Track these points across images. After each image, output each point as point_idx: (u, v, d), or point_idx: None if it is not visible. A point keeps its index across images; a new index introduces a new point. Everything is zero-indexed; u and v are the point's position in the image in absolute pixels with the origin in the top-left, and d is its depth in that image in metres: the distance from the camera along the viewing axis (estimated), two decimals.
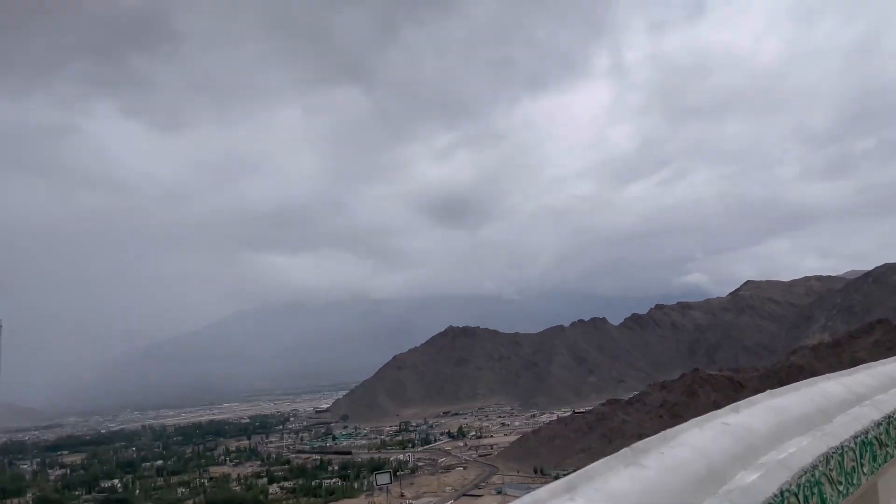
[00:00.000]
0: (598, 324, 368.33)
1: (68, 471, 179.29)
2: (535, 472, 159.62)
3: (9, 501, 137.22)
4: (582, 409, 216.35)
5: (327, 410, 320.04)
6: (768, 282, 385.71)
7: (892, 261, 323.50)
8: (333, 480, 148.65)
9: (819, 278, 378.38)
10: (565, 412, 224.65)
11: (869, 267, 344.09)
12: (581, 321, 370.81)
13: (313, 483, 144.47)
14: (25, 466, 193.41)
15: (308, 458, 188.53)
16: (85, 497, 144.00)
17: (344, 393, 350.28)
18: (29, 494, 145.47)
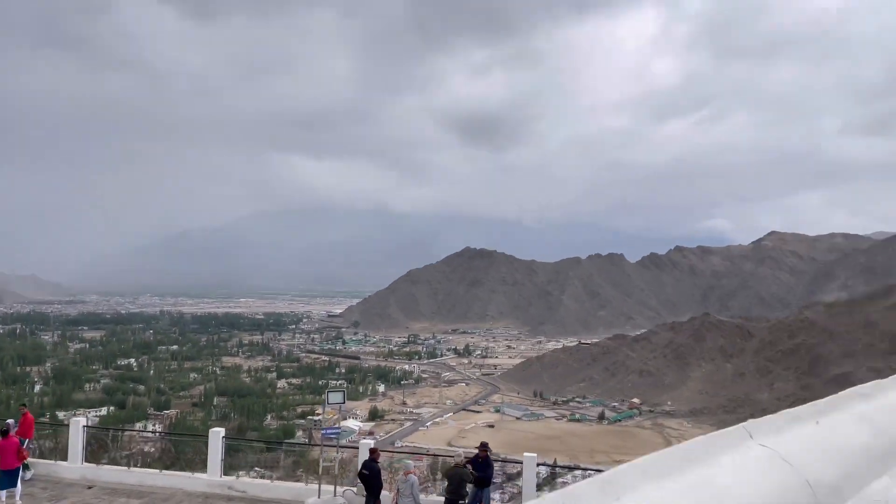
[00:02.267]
0: (614, 259, 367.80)
1: (87, 345, 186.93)
2: (535, 395, 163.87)
3: (29, 369, 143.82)
4: (588, 341, 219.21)
5: (339, 316, 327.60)
6: (794, 234, 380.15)
7: None
8: (339, 382, 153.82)
9: (846, 236, 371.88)
10: (571, 342, 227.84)
11: None
12: (598, 255, 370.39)
13: (320, 382, 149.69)
14: (47, 337, 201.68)
15: (317, 358, 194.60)
16: (102, 372, 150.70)
17: (357, 301, 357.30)
18: (48, 364, 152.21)
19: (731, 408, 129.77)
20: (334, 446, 15.99)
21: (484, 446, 14.53)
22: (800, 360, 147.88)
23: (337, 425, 17.34)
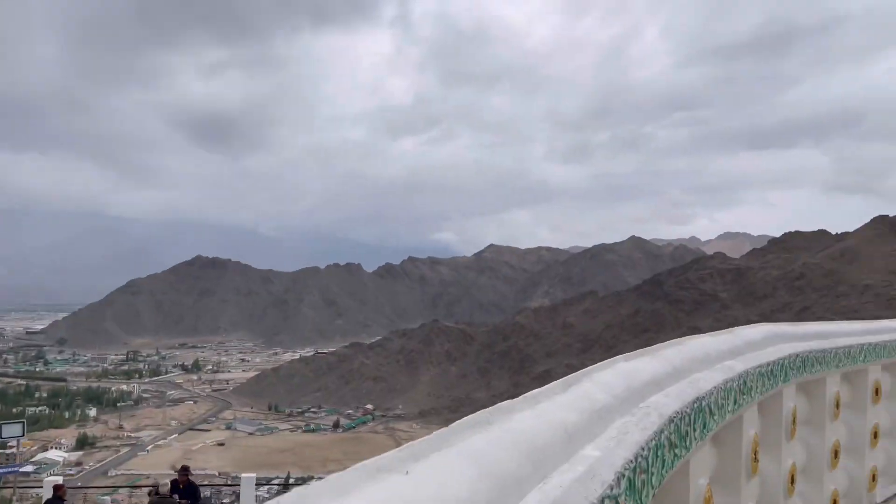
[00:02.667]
0: (352, 269, 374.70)
1: None
2: (270, 408, 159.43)
3: None
4: (325, 351, 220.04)
5: (41, 332, 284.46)
6: (508, 247, 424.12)
7: (607, 241, 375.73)
8: (40, 409, 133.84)
9: (549, 249, 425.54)
10: (308, 352, 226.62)
11: (589, 245, 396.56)
12: (336, 265, 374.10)
13: (14, 410, 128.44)
14: None
15: (10, 382, 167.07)
16: None
17: (64, 315, 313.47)
18: None
19: (455, 407, 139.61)
20: (10, 487, 13.80)
21: (185, 470, 13.61)
22: (512, 360, 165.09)
23: (18, 462, 14.75)
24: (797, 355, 4.01)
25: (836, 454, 4.62)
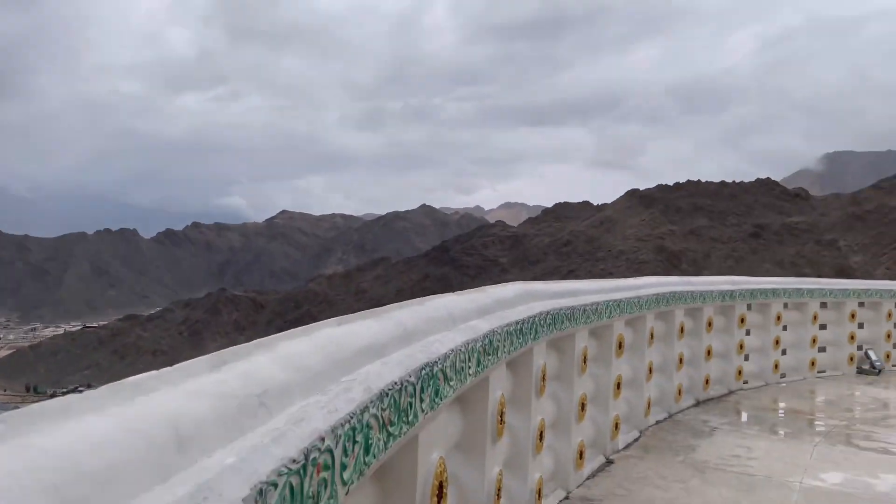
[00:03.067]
0: (127, 235, 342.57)
1: None
2: (28, 390, 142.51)
3: None
4: (94, 324, 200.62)
5: None
6: (301, 214, 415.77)
7: (400, 209, 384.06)
8: None
9: (343, 216, 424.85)
10: (74, 326, 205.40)
11: (382, 212, 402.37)
12: (108, 230, 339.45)
13: None
14: None
15: None
16: None
17: None
18: None
19: None
20: None
21: None
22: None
23: None
24: (548, 313, 4.02)
25: (583, 406, 4.82)
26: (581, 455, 4.81)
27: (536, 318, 3.80)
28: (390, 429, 1.85)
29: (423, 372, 2.18)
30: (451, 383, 2.44)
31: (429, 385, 2.23)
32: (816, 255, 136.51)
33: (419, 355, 2.22)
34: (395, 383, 1.91)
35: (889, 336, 10.84)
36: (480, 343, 2.84)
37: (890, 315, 10.84)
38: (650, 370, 6.52)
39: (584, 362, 4.83)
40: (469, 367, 2.68)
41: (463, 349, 2.60)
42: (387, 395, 1.82)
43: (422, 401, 2.13)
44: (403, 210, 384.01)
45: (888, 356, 10.78)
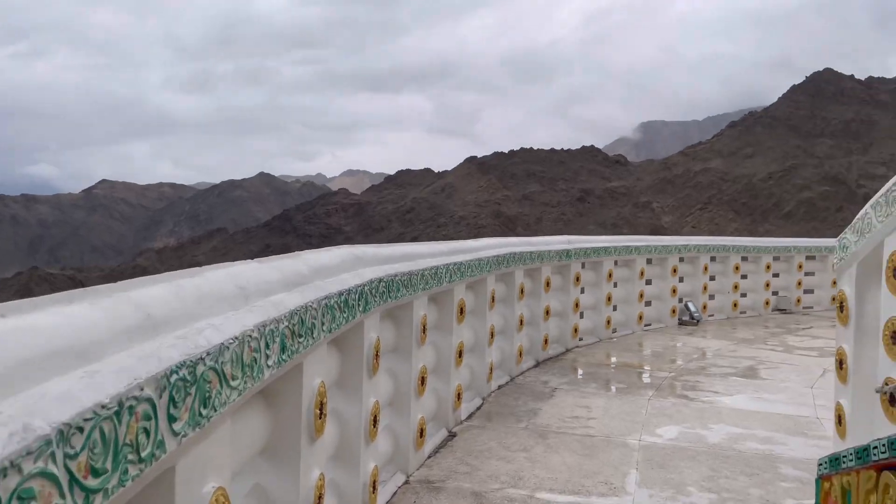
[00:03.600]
0: None
1: None
2: None
3: None
4: None
5: None
6: (124, 183, 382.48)
7: (236, 178, 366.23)
8: None
9: (172, 185, 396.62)
10: None
11: (216, 181, 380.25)
12: None
13: None
14: None
15: None
16: None
17: None
18: None
19: None
20: None
21: None
22: None
23: None
24: (381, 280, 3.52)
25: (422, 381, 4.42)
26: (422, 433, 4.42)
27: (366, 287, 3.27)
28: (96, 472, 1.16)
29: (175, 378, 1.41)
30: (235, 384, 1.75)
31: (187, 395, 1.47)
32: (634, 217, 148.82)
33: (173, 353, 1.46)
34: (105, 408, 1.14)
35: (705, 288, 11.65)
36: (286, 324, 2.16)
37: (706, 269, 11.64)
38: (492, 334, 6.31)
39: (424, 332, 4.42)
40: (267, 358, 2.00)
41: (256, 335, 1.90)
42: (78, 431, 1.07)
43: (173, 421, 1.41)
44: (240, 178, 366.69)
45: (705, 307, 11.59)
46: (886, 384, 2.86)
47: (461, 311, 5.26)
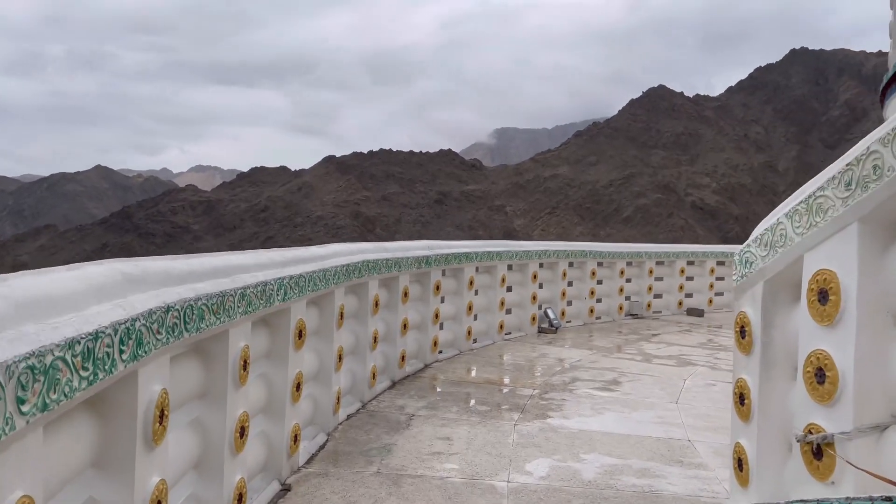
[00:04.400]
0: None
1: None
2: None
3: None
4: None
5: None
6: None
7: (68, 170, 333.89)
8: None
9: None
10: None
11: (45, 173, 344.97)
12: None
13: None
14: None
15: None
16: None
17: None
18: None
19: None
20: None
21: None
22: None
23: None
24: (167, 308, 2.54)
25: (242, 431, 3.45)
26: (240, 499, 3.44)
27: (138, 323, 2.23)
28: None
29: None
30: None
31: None
32: (489, 220, 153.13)
33: None
34: None
35: (564, 294, 11.45)
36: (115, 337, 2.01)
37: (565, 274, 11.45)
38: (340, 357, 5.42)
39: (245, 370, 3.43)
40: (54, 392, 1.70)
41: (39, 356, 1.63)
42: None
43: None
44: (73, 171, 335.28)
45: (563, 313, 11.39)
46: (810, 432, 2.38)
47: (300, 334, 4.33)
